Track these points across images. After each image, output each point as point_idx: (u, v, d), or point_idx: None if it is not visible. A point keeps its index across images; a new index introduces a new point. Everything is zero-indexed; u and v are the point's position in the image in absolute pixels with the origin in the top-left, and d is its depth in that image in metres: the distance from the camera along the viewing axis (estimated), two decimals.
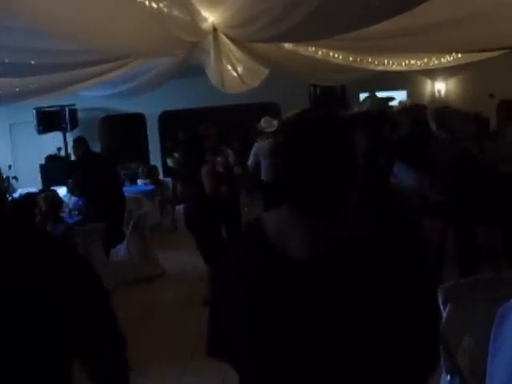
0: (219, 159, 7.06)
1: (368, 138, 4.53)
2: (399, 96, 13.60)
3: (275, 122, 9.02)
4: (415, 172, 5.25)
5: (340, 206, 1.61)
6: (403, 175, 5.23)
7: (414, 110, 6.68)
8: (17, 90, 7.95)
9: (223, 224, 7.04)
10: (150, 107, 13.77)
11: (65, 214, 8.31)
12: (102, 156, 9.81)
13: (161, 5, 4.57)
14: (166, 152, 14.22)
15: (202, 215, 6.76)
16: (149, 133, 14.63)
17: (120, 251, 8.15)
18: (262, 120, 9.48)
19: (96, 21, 4.29)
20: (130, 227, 8.13)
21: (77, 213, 8.46)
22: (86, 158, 8.53)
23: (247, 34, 5.54)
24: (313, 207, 1.59)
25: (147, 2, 4.29)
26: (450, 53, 7.66)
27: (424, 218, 5.45)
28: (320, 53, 7.25)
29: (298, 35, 5.29)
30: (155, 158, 14.26)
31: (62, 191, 10.70)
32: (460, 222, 5.62)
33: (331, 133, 1.62)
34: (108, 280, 7.36)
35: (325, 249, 1.54)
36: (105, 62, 6.48)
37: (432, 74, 13.08)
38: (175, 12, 4.83)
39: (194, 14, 5.36)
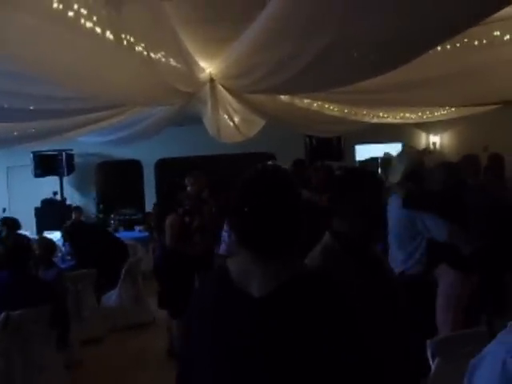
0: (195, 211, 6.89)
1: None
2: (395, 148, 13.78)
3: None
4: (450, 225, 5.15)
5: (288, 249, 1.87)
6: (436, 229, 5.14)
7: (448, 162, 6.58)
8: (15, 134, 8.02)
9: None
10: (147, 154, 13.85)
11: (57, 259, 8.29)
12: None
13: (159, 55, 4.66)
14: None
15: (166, 267, 6.62)
16: (145, 180, 14.67)
17: (111, 297, 8.09)
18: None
19: (94, 69, 4.35)
20: (123, 273, 8.08)
21: (69, 258, 8.42)
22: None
23: (243, 85, 5.63)
24: (266, 252, 1.85)
25: (145, 52, 4.36)
26: (443, 107, 7.78)
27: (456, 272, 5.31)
28: (315, 105, 7.35)
29: (293, 87, 5.38)
30: (151, 205, 14.26)
31: (56, 235, 10.69)
32: (494, 271, 5.46)
33: (282, 190, 1.88)
34: (98, 326, 7.32)
35: (275, 286, 1.80)
36: (102, 110, 6.56)
37: (427, 126, 13.23)
38: (173, 62, 4.92)
39: (191, 65, 5.45)
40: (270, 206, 1.83)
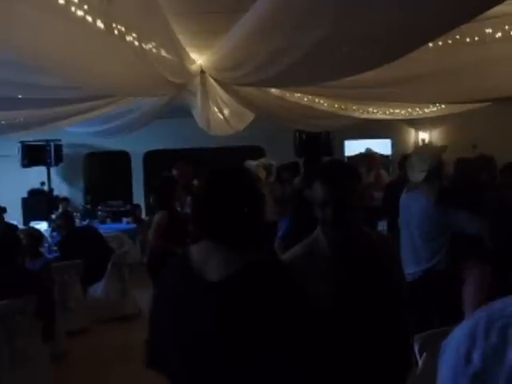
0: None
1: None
2: (384, 144, 13.81)
3: (254, 163, 8.86)
4: (479, 219, 5.18)
5: (245, 238, 2.08)
6: (469, 225, 5.16)
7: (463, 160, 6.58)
8: (3, 123, 7.97)
9: None
10: (136, 146, 13.78)
11: (44, 249, 8.25)
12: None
13: (150, 45, 4.63)
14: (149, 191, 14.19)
15: (154, 265, 6.42)
16: (133, 171, 14.60)
17: (98, 289, 8.04)
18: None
19: (84, 58, 4.32)
20: (109, 266, 8.04)
21: (55, 248, 8.37)
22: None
23: (234, 77, 5.61)
24: (223, 240, 2.06)
25: (136, 42, 4.33)
26: (434, 103, 7.79)
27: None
28: (306, 99, 7.34)
29: (284, 81, 5.36)
30: (139, 197, 14.21)
31: (42, 226, 10.65)
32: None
33: (239, 184, 2.11)
34: (84, 318, 7.29)
35: (230, 272, 1.98)
36: (92, 100, 6.52)
37: (416, 123, 13.24)
38: (164, 53, 4.89)
39: (182, 56, 5.42)
40: (226, 198, 2.06)
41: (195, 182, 7.26)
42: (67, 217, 8.90)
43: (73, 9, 3.58)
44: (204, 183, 2.20)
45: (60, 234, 8.72)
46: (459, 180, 5.54)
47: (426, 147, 6.19)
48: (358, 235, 2.60)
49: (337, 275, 2.50)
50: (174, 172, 8.39)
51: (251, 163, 8.79)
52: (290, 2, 3.28)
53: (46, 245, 8.54)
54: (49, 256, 7.83)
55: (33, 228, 7.44)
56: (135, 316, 8.03)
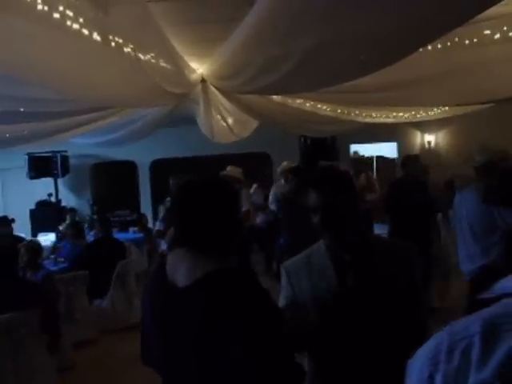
0: None
1: None
2: (390, 148, 13.78)
3: (239, 171, 8.76)
4: None
5: (216, 247, 2.15)
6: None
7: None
8: (7, 136, 8.00)
9: None
10: (142, 155, 13.82)
11: (50, 261, 8.27)
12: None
13: (148, 56, 4.64)
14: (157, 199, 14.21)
15: None
16: (140, 181, 14.64)
17: (104, 300, 8.03)
18: (228, 168, 9.28)
19: (83, 71, 4.33)
20: (114, 276, 8.03)
21: (62, 260, 8.38)
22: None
23: (233, 85, 5.60)
24: (194, 247, 2.13)
25: (133, 54, 4.34)
26: (435, 107, 7.76)
27: None
28: (308, 105, 7.33)
29: (283, 88, 5.35)
30: (146, 206, 14.24)
31: (51, 237, 10.68)
32: None
33: (210, 195, 2.18)
34: (90, 329, 7.29)
35: (196, 278, 2.05)
36: (92, 112, 6.53)
37: (422, 126, 13.22)
38: (162, 63, 4.89)
39: (181, 66, 5.43)
40: (191, 208, 2.16)
41: None
42: (77, 228, 8.93)
43: (68, 22, 3.59)
44: (175, 193, 2.37)
45: (69, 245, 8.74)
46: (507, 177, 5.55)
47: (484, 147, 6.17)
48: (354, 242, 2.58)
49: (330, 285, 2.50)
50: (171, 182, 8.46)
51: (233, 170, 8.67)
52: (283, 10, 3.27)
53: (52, 256, 8.56)
54: (54, 268, 7.84)
55: (31, 240, 7.45)
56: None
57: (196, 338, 2.04)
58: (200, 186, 2.25)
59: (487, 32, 4.83)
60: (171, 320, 2.11)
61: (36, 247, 6.78)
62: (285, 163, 9.12)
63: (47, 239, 10.42)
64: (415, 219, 7.37)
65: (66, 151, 13.39)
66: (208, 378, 2.08)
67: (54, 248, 9.26)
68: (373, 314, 2.49)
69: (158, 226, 9.98)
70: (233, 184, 2.98)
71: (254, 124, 9.78)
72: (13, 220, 9.84)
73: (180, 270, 2.12)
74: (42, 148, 12.46)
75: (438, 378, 0.86)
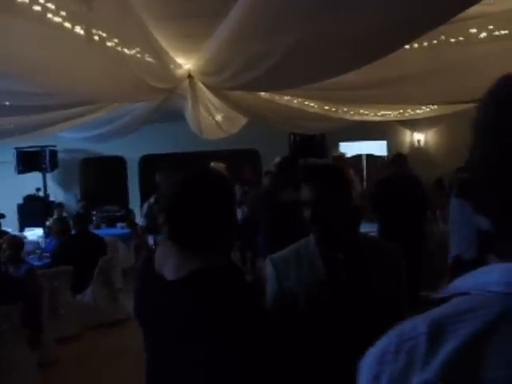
0: None
1: None
2: (380, 146, 13.77)
3: (223, 166, 8.69)
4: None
5: (206, 244, 2.15)
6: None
7: None
8: None
9: None
10: (131, 150, 13.76)
11: (35, 256, 8.24)
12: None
13: (133, 51, 4.61)
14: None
15: None
16: (129, 176, 14.59)
17: (85, 296, 7.97)
18: (212, 164, 9.19)
19: (65, 65, 4.30)
20: (96, 271, 7.98)
21: (47, 255, 8.33)
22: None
23: (218, 81, 5.58)
24: (183, 243, 2.15)
25: (118, 48, 4.32)
26: (423, 104, 7.76)
27: None
28: (295, 101, 7.31)
29: (267, 84, 5.34)
30: (134, 202, 14.19)
31: (38, 232, 10.64)
32: None
33: (206, 193, 2.17)
34: (74, 324, 7.26)
35: (185, 273, 2.08)
36: (78, 106, 6.50)
37: (411, 124, 13.20)
38: (148, 58, 4.86)
39: (166, 61, 5.40)
40: (192, 206, 2.15)
41: None
42: (62, 223, 8.87)
43: (49, 15, 3.57)
44: (170, 189, 2.32)
45: (54, 241, 8.69)
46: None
47: None
48: (344, 239, 2.57)
49: (319, 281, 2.48)
50: (157, 178, 8.44)
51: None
52: (263, 7, 3.25)
53: (39, 251, 8.53)
54: (39, 263, 7.81)
55: (13, 235, 7.40)
56: (125, 322, 7.94)
57: (182, 331, 2.07)
58: (196, 183, 2.24)
59: (473, 31, 4.82)
60: (159, 310, 2.14)
61: (18, 242, 6.74)
62: (278, 159, 9.10)
63: (34, 234, 10.38)
64: (407, 216, 7.38)
65: (54, 146, 13.32)
66: (193, 373, 2.09)
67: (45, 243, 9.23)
68: (363, 313, 2.47)
69: (141, 222, 9.97)
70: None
71: (242, 120, 9.76)
72: (3, 215, 9.81)
73: (168, 265, 2.15)
74: (30, 142, 12.39)
75: (384, 379, 0.86)
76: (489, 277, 0.86)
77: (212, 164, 8.53)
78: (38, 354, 5.67)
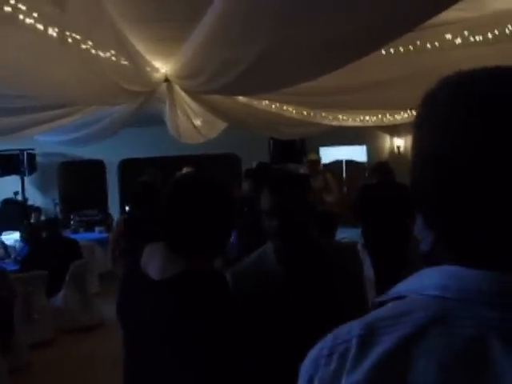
0: None
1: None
2: (359, 151, 13.82)
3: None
4: None
5: (195, 247, 2.15)
6: None
7: None
8: None
9: None
10: (110, 154, 13.69)
11: (10, 260, 8.15)
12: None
13: (108, 54, 4.57)
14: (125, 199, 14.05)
15: None
16: (108, 180, 14.50)
17: (58, 299, 7.88)
18: (184, 170, 9.14)
19: (40, 67, 4.26)
20: (67, 276, 7.86)
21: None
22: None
23: (193, 85, 5.57)
24: (169, 245, 2.17)
25: (93, 51, 4.28)
26: (403, 109, 7.78)
27: None
28: (274, 106, 7.30)
29: (239, 88, 5.34)
30: (114, 206, 14.11)
31: (15, 236, 10.52)
32: None
33: (204, 199, 2.16)
34: (47, 329, 7.19)
35: (168, 274, 2.09)
36: (52, 109, 6.45)
37: (391, 129, 13.23)
38: (123, 61, 4.83)
39: (142, 65, 5.37)
40: (181, 207, 2.15)
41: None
42: (32, 227, 8.77)
43: (21, 16, 3.53)
44: (169, 189, 2.29)
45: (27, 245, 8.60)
46: None
47: None
48: (307, 247, 2.54)
49: (284, 290, 2.45)
50: (145, 178, 8.37)
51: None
52: (235, 10, 3.24)
53: (13, 255, 8.44)
54: (14, 267, 7.72)
55: None
56: (98, 326, 7.87)
57: (163, 332, 2.08)
58: (190, 185, 2.25)
59: (448, 36, 4.84)
60: (141, 308, 2.16)
61: None
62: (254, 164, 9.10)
63: (10, 238, 10.27)
64: (394, 222, 7.47)
65: (33, 149, 13.21)
66: (170, 373, 2.10)
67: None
68: (327, 316, 2.44)
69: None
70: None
71: (221, 125, 9.74)
72: None
73: (153, 265, 2.15)
74: (8, 145, 12.27)
75: (316, 382, 0.85)
76: (428, 280, 0.86)
77: (184, 170, 8.51)
78: (9, 358, 5.59)
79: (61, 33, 3.84)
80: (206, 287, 2.08)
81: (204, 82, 4.85)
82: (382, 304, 0.89)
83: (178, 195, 2.20)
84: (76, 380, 6.10)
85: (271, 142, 12.92)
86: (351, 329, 0.86)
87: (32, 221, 10.87)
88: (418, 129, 0.94)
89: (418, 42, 4.91)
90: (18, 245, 9.57)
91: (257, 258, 2.60)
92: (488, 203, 0.80)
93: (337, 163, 13.73)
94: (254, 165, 9.29)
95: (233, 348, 2.03)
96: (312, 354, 0.89)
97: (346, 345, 0.84)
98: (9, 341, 5.45)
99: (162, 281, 2.08)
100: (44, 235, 8.35)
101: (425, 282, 0.86)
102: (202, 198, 2.16)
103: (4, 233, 11.40)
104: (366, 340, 0.83)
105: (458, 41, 4.87)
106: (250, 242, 6.51)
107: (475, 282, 0.81)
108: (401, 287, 0.89)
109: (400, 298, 0.87)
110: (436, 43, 4.92)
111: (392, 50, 4.84)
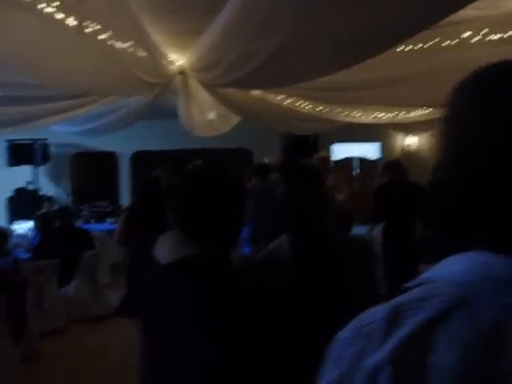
0: None
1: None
2: (373, 148, 13.77)
3: None
4: None
5: (198, 233, 2.10)
6: None
7: None
8: None
9: None
10: (123, 146, 13.72)
11: (23, 249, 8.19)
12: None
13: (125, 44, 4.59)
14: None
15: None
16: (120, 172, 14.53)
17: (69, 289, 7.94)
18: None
19: (58, 56, 4.28)
20: (80, 266, 7.91)
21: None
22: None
23: (209, 78, 5.57)
24: (184, 230, 2.13)
25: (111, 41, 4.30)
26: (419, 107, 7.76)
27: None
28: (288, 101, 7.29)
29: (256, 81, 5.33)
30: (125, 198, 14.13)
31: (28, 225, 10.57)
32: None
33: (216, 189, 2.15)
34: (58, 318, 7.23)
35: (179, 255, 2.07)
36: (69, 98, 6.47)
37: (405, 127, 13.16)
38: (140, 53, 4.84)
39: (158, 56, 5.38)
40: (194, 191, 2.16)
41: None
42: (45, 217, 8.80)
43: (40, 6, 3.55)
44: (181, 178, 2.30)
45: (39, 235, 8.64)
46: None
47: None
48: (321, 239, 2.56)
49: (297, 282, 2.47)
50: (157, 173, 8.37)
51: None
52: (251, 5, 3.24)
53: (27, 244, 8.48)
54: (27, 256, 7.75)
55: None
56: (108, 317, 7.89)
57: (178, 316, 2.06)
58: (204, 172, 2.27)
59: (467, 34, 4.83)
60: (154, 294, 2.18)
61: (2, 232, 6.67)
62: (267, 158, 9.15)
63: (21, 228, 10.32)
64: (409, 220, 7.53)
65: (46, 139, 13.24)
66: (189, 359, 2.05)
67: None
68: (340, 309, 2.46)
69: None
70: None
71: (234, 119, 9.73)
72: None
73: (163, 250, 2.18)
74: (22, 135, 12.32)
75: (342, 362, 0.88)
76: (455, 266, 0.88)
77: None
78: (21, 347, 5.63)
79: (80, 22, 3.85)
80: (216, 272, 2.09)
81: (220, 74, 4.85)
82: (408, 290, 0.91)
83: (190, 180, 2.23)
84: (86, 369, 6.13)
85: (284, 137, 12.90)
86: (375, 312, 0.88)
87: (44, 210, 10.90)
88: (445, 123, 0.95)
89: (437, 40, 4.90)
90: (30, 233, 9.60)
91: (272, 249, 2.64)
92: None
93: (348, 160, 13.72)
94: (265, 160, 9.32)
95: (244, 338, 1.99)
96: (338, 336, 0.91)
97: (371, 326, 0.86)
98: (21, 329, 5.48)
99: (171, 264, 2.10)
100: (57, 224, 8.38)
101: (452, 268, 0.88)
102: (213, 182, 2.18)
103: (16, 222, 11.45)
104: (390, 322, 0.85)
105: (477, 39, 4.86)
106: (269, 235, 6.57)
107: (500, 268, 0.82)
108: (429, 273, 0.91)
109: (426, 283, 0.89)
110: (454, 41, 4.91)
111: (410, 47, 4.83)
